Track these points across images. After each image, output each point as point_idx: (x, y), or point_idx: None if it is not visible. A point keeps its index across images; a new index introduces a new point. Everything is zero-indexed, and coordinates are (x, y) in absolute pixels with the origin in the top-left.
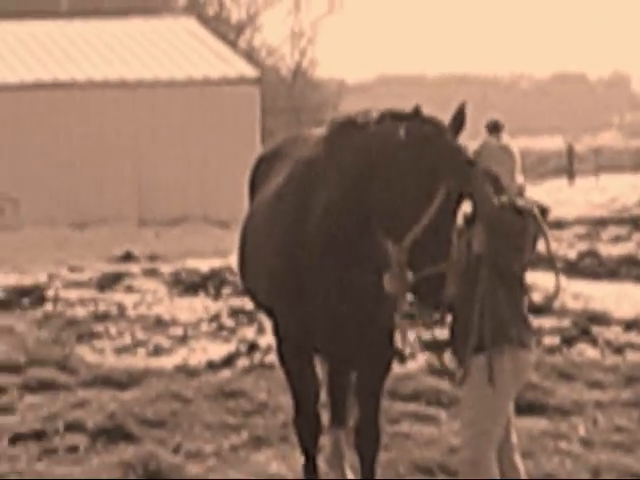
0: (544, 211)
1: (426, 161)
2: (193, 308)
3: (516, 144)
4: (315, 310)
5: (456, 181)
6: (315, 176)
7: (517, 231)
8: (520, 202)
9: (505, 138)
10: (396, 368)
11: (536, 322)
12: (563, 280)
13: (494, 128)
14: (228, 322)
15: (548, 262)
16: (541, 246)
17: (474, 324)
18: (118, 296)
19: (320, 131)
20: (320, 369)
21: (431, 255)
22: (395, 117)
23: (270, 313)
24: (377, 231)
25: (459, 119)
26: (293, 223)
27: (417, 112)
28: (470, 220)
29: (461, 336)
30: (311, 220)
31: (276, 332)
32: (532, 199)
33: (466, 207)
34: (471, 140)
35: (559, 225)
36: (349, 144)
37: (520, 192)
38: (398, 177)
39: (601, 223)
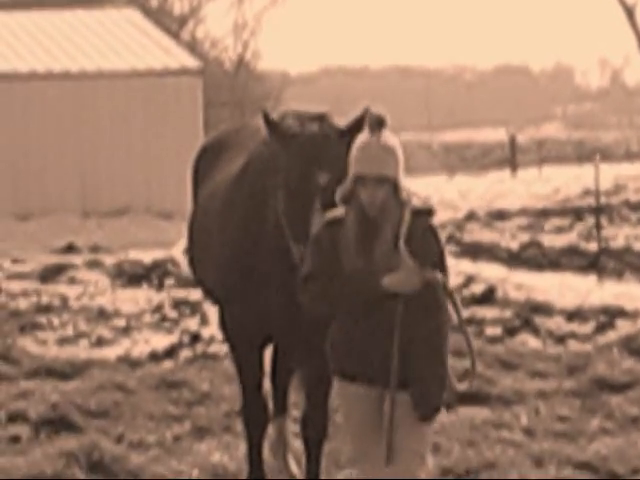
0: (429, 211)
1: None
2: (136, 299)
3: (397, 140)
4: (268, 301)
5: None
6: (273, 170)
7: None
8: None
9: (388, 135)
10: None
11: (479, 312)
12: (505, 271)
13: (377, 125)
14: (171, 313)
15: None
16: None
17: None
18: (61, 288)
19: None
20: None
21: None
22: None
23: (219, 302)
24: None
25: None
26: (250, 215)
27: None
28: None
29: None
30: (269, 215)
31: (223, 321)
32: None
33: None
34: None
35: (502, 216)
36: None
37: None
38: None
39: (544, 214)
